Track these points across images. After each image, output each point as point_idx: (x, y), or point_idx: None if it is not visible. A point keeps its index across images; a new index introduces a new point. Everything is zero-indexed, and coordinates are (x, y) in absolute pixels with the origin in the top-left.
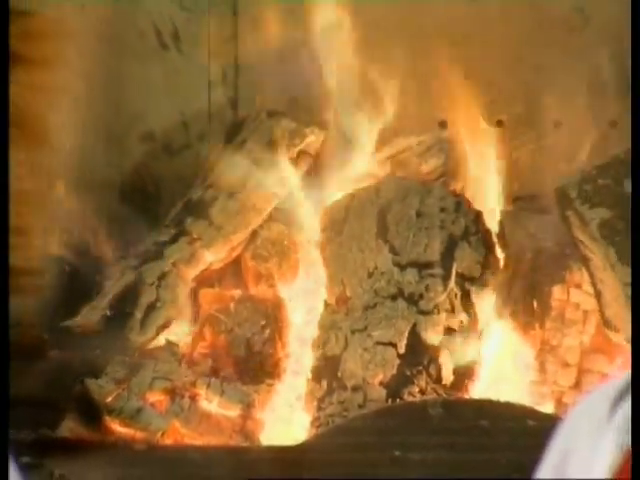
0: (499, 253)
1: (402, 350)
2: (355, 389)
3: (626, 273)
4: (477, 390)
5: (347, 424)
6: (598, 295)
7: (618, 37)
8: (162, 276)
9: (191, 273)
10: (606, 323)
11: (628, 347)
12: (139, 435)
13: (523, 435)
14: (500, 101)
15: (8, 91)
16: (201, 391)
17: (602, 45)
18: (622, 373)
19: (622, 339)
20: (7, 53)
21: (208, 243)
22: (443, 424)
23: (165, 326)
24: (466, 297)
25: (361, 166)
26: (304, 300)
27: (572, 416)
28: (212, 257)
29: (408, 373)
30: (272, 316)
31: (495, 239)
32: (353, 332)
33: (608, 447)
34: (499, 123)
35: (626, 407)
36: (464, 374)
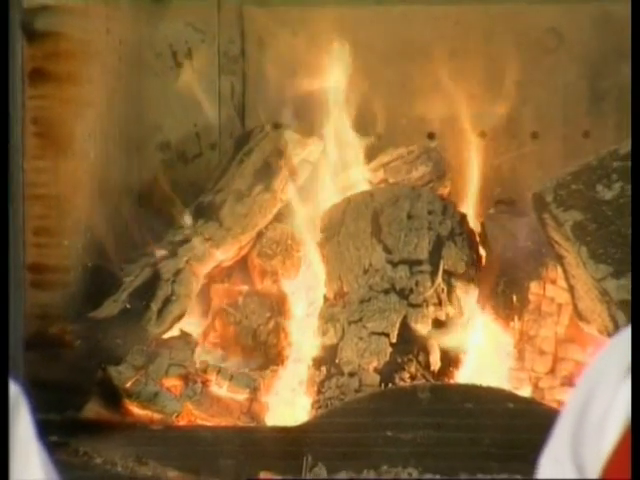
0: (482, 252)
1: (394, 340)
2: (351, 375)
3: (596, 269)
4: (462, 376)
5: (344, 406)
6: (571, 290)
7: (588, 56)
8: (177, 273)
9: (203, 270)
10: (578, 315)
11: (599, 337)
12: (156, 417)
13: (503, 416)
14: (483, 114)
15: (8, 93)
16: (212, 377)
17: (574, 63)
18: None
19: (593, 329)
20: (7, 54)
21: (218, 243)
22: (431, 406)
23: (179, 318)
24: (452, 292)
25: (356, 173)
26: (305, 294)
27: (599, 359)
28: (222, 256)
29: (399, 360)
30: (276, 309)
31: (478, 239)
32: (350, 323)
33: (627, 397)
34: (482, 134)
35: None
36: (450, 361)
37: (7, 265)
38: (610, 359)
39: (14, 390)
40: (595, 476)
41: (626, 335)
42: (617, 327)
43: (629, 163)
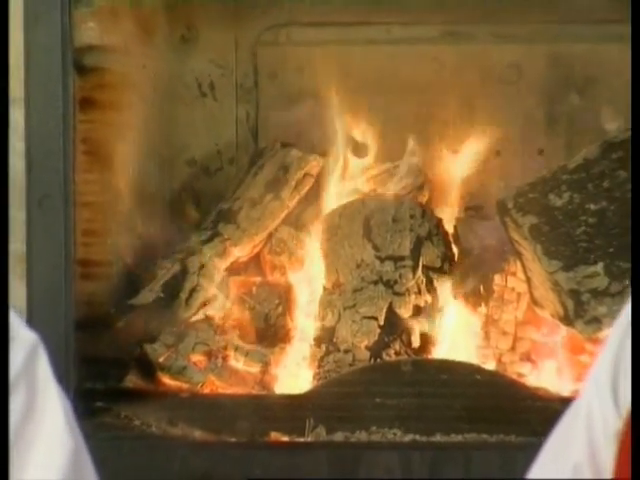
0: (454, 249)
1: (382, 322)
2: (346, 351)
3: (549, 264)
4: (438, 352)
5: (340, 378)
6: (528, 281)
7: (543, 87)
8: (201, 267)
9: (223, 265)
10: (534, 302)
11: (551, 320)
12: (184, 386)
13: (472, 386)
14: (455, 135)
15: (7, 95)
16: (230, 353)
17: (531, 93)
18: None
19: (547, 314)
20: (7, 57)
21: (236, 242)
22: (412, 378)
23: (204, 304)
24: (430, 283)
25: (350, 185)
26: (308, 285)
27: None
28: (239, 253)
29: (386, 340)
30: (284, 297)
31: (451, 239)
32: (345, 309)
33: None
34: (454, 152)
35: None
36: (428, 340)
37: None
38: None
39: (32, 337)
40: (627, 405)
41: None
42: (567, 312)
43: (576, 176)
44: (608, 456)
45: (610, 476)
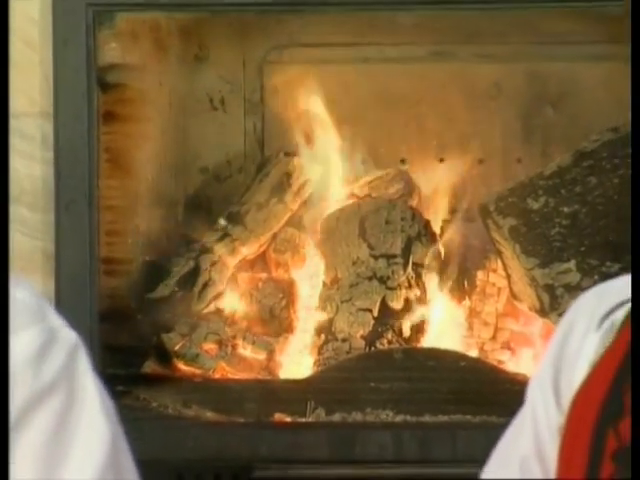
0: (441, 248)
1: (376, 314)
2: (344, 340)
3: (527, 261)
4: (426, 341)
5: (338, 365)
6: (508, 277)
7: (521, 102)
8: (213, 264)
9: (232, 262)
10: (513, 296)
11: (529, 312)
12: (197, 372)
13: (457, 372)
14: (442, 145)
15: (7, 98)
16: (239, 342)
17: (510, 107)
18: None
19: (524, 307)
20: (7, 61)
21: (244, 242)
22: (403, 364)
23: (215, 298)
24: (419, 278)
25: (347, 190)
26: (309, 281)
27: (573, 308)
28: (247, 251)
29: (379, 330)
30: (287, 291)
31: (438, 239)
32: (342, 302)
33: (595, 340)
34: (441, 160)
35: (620, 314)
36: (417, 330)
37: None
38: (581, 309)
39: (73, 336)
40: (568, 403)
41: (595, 291)
42: (542, 305)
43: (551, 182)
44: (553, 450)
45: (555, 468)
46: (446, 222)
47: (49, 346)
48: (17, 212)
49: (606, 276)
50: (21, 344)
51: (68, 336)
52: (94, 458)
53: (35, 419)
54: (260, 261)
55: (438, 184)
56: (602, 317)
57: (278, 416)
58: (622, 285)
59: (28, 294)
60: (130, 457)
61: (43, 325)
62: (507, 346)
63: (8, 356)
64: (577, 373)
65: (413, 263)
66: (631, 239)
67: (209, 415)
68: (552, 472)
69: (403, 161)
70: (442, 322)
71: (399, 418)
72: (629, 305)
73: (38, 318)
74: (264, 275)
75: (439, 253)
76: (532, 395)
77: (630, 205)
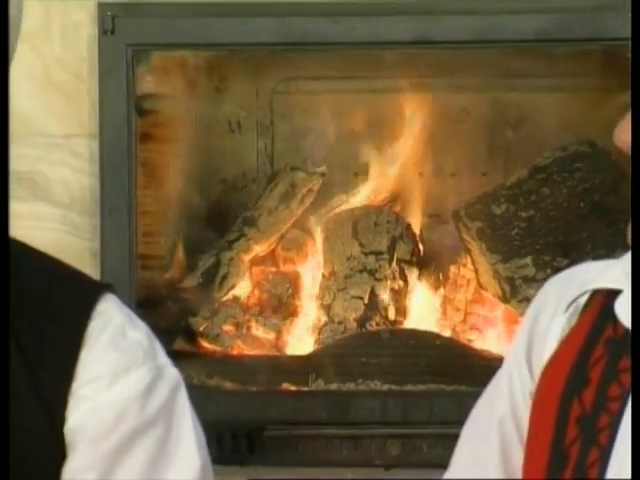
0: (420, 246)
1: (366, 301)
2: (339, 323)
3: (491, 257)
4: (408, 323)
5: (335, 343)
6: (476, 270)
7: (486, 125)
8: (230, 259)
9: (247, 258)
10: (480, 286)
11: (493, 299)
12: (218, 349)
13: (433, 348)
14: (421, 161)
15: (8, 100)
16: (252, 324)
17: (477, 129)
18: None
19: (490, 295)
20: (7, 65)
21: (256, 241)
22: (389, 343)
23: (232, 288)
24: (402, 271)
25: (342, 198)
26: (311, 273)
27: (543, 290)
28: (259, 249)
29: (369, 314)
30: (292, 282)
31: (418, 239)
32: (338, 291)
33: (562, 321)
34: (420, 174)
35: (582, 300)
36: (401, 314)
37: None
38: (549, 293)
39: (176, 374)
40: (538, 373)
41: (561, 277)
42: (504, 293)
43: (511, 192)
44: (525, 412)
45: (526, 428)
46: (424, 225)
47: (156, 383)
48: (68, 217)
49: (557, 269)
50: (134, 380)
51: (172, 374)
52: None
53: (137, 447)
54: (270, 257)
55: (417, 193)
56: (569, 302)
57: (285, 385)
58: (584, 273)
59: (142, 334)
60: None
61: (153, 364)
62: (475, 328)
63: (8, 356)
64: (546, 348)
65: (397, 259)
66: (631, 239)
67: (227, 385)
68: (525, 430)
69: (389, 174)
70: (421, 308)
71: (385, 387)
72: (590, 292)
73: (149, 357)
74: (273, 269)
75: (418, 251)
76: (508, 365)
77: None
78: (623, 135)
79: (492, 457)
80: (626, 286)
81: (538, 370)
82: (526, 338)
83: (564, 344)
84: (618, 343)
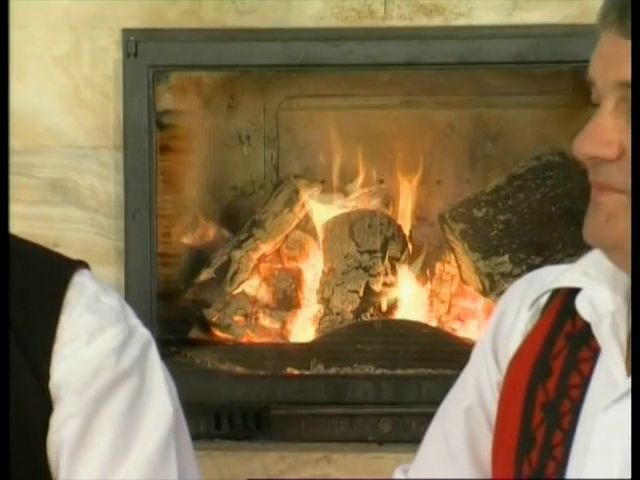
0: (410, 246)
1: (361, 294)
2: (337, 314)
3: (472, 255)
4: (399, 314)
5: (333, 332)
6: (459, 267)
7: (468, 138)
8: (241, 257)
9: (255, 256)
10: (463, 281)
11: (474, 292)
12: (229, 337)
13: (421, 337)
14: (410, 169)
15: (8, 102)
16: (260, 315)
17: (460, 142)
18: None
19: (471, 289)
20: (7, 66)
21: (264, 241)
22: (382, 331)
23: (242, 283)
24: (393, 268)
25: (340, 203)
26: (312, 270)
27: (510, 290)
28: (266, 248)
29: (364, 306)
30: (296, 278)
31: (408, 239)
32: (336, 285)
33: (526, 318)
34: (410, 181)
35: (543, 299)
36: (392, 306)
37: (7, 257)
38: (514, 293)
39: (146, 333)
40: (504, 365)
41: (525, 279)
42: (484, 288)
43: (491, 197)
44: (492, 401)
45: (493, 415)
46: (413, 227)
47: (128, 340)
48: (96, 220)
49: (531, 266)
50: (108, 338)
51: (143, 333)
52: (160, 427)
53: (115, 395)
54: (275, 255)
55: (407, 198)
56: (532, 301)
57: (289, 370)
58: (545, 275)
59: (114, 299)
60: (186, 427)
61: (125, 324)
62: (458, 318)
63: (8, 356)
64: (512, 342)
65: (389, 257)
66: (632, 239)
67: (238, 369)
68: (492, 417)
69: (382, 181)
70: (410, 300)
71: (378, 371)
72: (551, 291)
73: (121, 318)
74: (278, 266)
75: (408, 250)
76: (475, 358)
77: (553, 212)
78: (578, 146)
79: (458, 442)
80: (585, 284)
81: (504, 362)
82: (492, 335)
83: (529, 339)
84: (577, 337)
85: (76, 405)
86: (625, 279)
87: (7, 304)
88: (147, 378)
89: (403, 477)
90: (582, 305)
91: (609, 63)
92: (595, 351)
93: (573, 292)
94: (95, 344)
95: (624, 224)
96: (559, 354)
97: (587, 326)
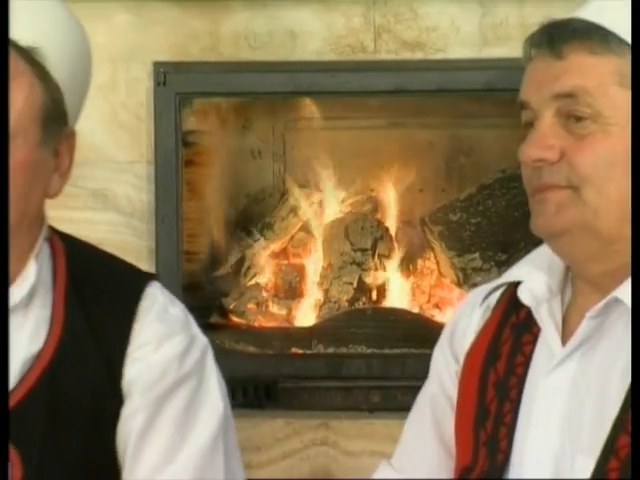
0: (396, 245)
1: (355, 286)
2: (335, 302)
3: (449, 253)
4: (387, 303)
5: (331, 318)
6: (437, 263)
7: (445, 153)
8: (253, 255)
9: (265, 254)
10: (441, 275)
11: (451, 285)
12: (243, 322)
13: (405, 322)
14: (397, 180)
15: (7, 103)
16: (270, 303)
17: (438, 157)
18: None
19: (448, 282)
20: (7, 68)
21: (273, 241)
22: (372, 317)
23: (255, 276)
24: (382, 264)
25: (337, 207)
26: (313, 265)
27: (466, 299)
28: (274, 247)
29: (357, 296)
30: (300, 272)
31: (394, 239)
32: (334, 278)
33: (479, 315)
34: (396, 190)
35: (493, 298)
36: (381, 296)
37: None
38: (467, 303)
39: (205, 340)
40: (462, 357)
41: (475, 291)
42: (459, 280)
43: (464, 204)
44: (453, 388)
45: (454, 400)
46: (399, 229)
47: (190, 347)
48: (131, 223)
49: (498, 262)
50: (173, 344)
51: (202, 341)
52: (213, 424)
53: (177, 395)
54: (283, 253)
55: (394, 205)
56: (482, 300)
57: (293, 349)
58: (493, 279)
59: (179, 310)
60: (233, 424)
61: (188, 332)
62: (437, 306)
63: (8, 357)
64: (467, 337)
65: (378, 254)
66: (632, 239)
67: (250, 349)
68: (454, 403)
69: (372, 190)
70: (396, 291)
71: (369, 351)
72: (502, 289)
73: (185, 327)
74: (285, 261)
75: (394, 248)
76: (435, 357)
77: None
78: (524, 152)
79: (425, 426)
80: (525, 277)
81: (461, 354)
82: (448, 335)
83: (481, 332)
84: (520, 326)
85: (143, 402)
86: (561, 267)
87: (7, 304)
88: (204, 381)
89: (388, 468)
90: (523, 294)
91: (543, 82)
92: (535, 335)
93: (517, 288)
94: (162, 350)
95: (573, 213)
96: (506, 341)
97: (529, 316)
